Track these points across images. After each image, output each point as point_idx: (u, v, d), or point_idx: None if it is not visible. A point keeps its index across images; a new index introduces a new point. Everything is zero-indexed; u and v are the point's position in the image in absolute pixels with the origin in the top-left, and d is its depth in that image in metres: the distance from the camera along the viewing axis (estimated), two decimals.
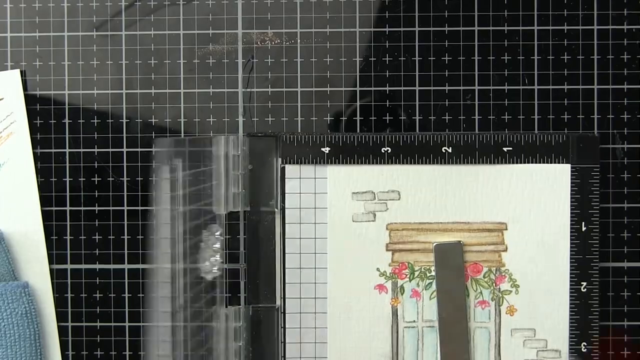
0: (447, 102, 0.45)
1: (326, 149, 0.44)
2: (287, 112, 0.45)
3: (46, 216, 0.45)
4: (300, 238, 0.44)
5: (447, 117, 0.45)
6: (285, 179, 0.44)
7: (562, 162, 0.43)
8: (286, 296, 0.44)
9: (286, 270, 0.44)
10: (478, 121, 0.45)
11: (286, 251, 0.44)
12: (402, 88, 0.45)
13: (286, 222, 0.44)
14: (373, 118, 0.45)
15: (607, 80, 0.45)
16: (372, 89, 0.45)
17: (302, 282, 0.44)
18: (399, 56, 0.45)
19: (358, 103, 0.45)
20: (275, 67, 0.45)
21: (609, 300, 0.45)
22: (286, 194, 0.44)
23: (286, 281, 0.44)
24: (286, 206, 0.44)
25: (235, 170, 0.44)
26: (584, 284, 0.43)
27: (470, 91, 0.45)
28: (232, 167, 0.44)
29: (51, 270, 0.45)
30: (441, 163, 0.44)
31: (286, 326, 0.44)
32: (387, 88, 0.45)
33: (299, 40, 0.45)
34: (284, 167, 0.44)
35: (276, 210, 0.44)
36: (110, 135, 0.45)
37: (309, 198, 0.44)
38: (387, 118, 0.45)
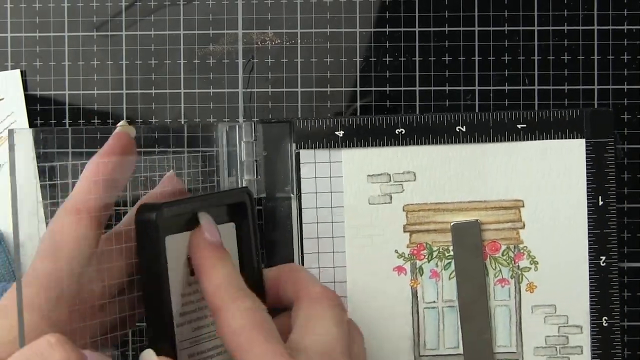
0: (447, 102, 0.45)
1: (340, 133, 0.44)
2: (287, 113, 0.45)
3: (46, 216, 0.45)
4: (317, 223, 0.44)
5: None
6: (300, 164, 0.44)
7: (577, 137, 0.43)
8: None
9: (304, 255, 0.44)
10: None
11: (304, 236, 0.44)
12: (403, 88, 0.45)
13: (302, 207, 0.44)
14: None
15: (607, 80, 0.45)
16: (373, 89, 0.45)
17: (321, 267, 0.44)
18: (399, 56, 0.45)
19: (358, 103, 0.45)
20: (275, 67, 0.45)
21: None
22: (302, 179, 0.44)
23: (305, 266, 0.44)
24: (302, 191, 0.44)
25: (249, 157, 0.43)
26: (603, 258, 0.43)
27: (471, 91, 0.45)
28: (246, 154, 0.43)
29: None
30: (456, 142, 0.43)
31: None
32: (388, 88, 0.45)
33: (299, 41, 0.45)
34: (299, 152, 0.44)
35: (292, 195, 0.44)
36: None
37: (325, 182, 0.44)
38: None
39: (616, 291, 0.43)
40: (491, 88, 0.45)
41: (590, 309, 0.43)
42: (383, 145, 0.43)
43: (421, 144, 0.43)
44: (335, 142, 0.44)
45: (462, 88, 0.45)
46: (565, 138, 0.43)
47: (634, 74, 0.45)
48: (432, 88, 0.45)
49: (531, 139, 0.43)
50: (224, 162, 0.43)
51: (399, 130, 0.43)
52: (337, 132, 0.44)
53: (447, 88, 0.45)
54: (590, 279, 0.43)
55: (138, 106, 0.45)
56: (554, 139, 0.43)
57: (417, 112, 0.45)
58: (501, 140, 0.43)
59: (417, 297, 0.44)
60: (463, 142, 0.43)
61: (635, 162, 0.45)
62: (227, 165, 0.43)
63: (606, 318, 0.43)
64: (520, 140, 0.43)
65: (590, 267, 0.43)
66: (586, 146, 0.43)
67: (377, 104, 0.45)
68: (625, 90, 0.45)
